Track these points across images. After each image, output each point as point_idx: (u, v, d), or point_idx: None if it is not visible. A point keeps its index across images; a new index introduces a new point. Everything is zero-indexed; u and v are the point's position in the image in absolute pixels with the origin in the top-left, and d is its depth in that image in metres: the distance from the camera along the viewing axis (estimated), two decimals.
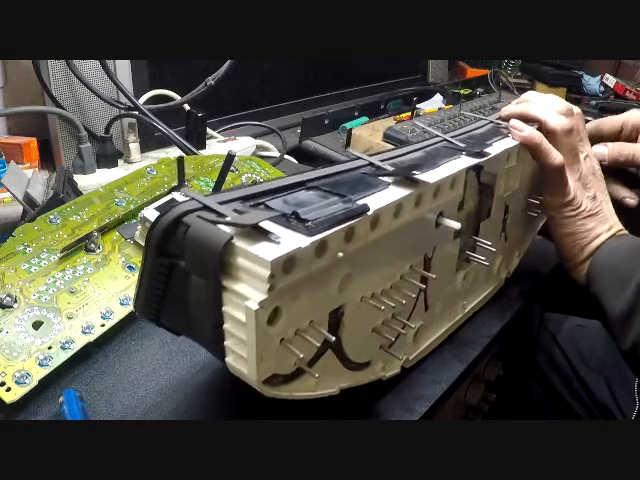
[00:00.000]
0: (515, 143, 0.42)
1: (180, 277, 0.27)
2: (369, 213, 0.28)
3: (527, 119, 0.44)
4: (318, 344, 0.28)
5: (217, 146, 0.74)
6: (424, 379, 0.38)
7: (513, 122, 0.43)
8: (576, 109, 0.45)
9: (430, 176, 0.33)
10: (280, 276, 0.24)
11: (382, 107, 0.96)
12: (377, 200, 0.30)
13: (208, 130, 0.74)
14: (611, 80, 1.19)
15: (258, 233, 0.25)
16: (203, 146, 0.72)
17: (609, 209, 0.45)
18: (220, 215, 0.25)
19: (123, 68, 0.67)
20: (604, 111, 1.07)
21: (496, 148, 0.40)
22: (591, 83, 1.17)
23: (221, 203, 0.26)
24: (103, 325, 0.39)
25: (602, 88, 1.18)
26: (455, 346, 0.42)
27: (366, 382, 0.35)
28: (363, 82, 1.05)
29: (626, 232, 0.45)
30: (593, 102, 1.13)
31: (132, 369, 0.38)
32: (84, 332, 0.38)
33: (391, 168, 0.34)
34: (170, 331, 0.30)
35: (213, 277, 0.25)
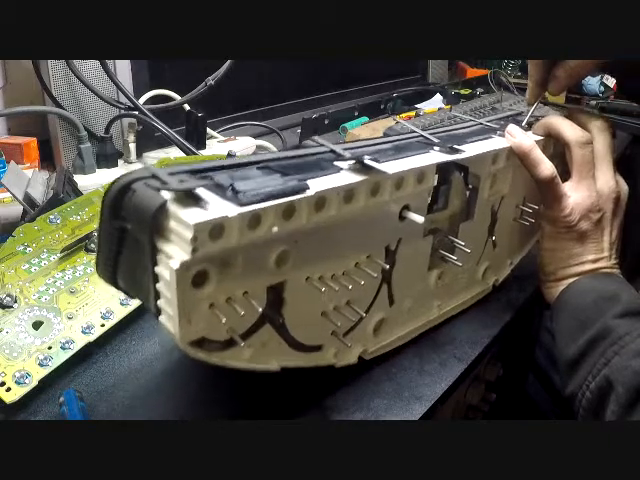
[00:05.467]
0: (501, 146, 0.41)
1: (129, 239, 0.28)
2: (309, 193, 0.29)
3: (547, 129, 0.44)
4: (242, 312, 0.28)
5: (217, 146, 0.74)
6: (424, 379, 0.38)
7: (509, 127, 0.42)
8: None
9: (390, 166, 0.33)
10: (206, 241, 0.25)
11: (382, 107, 0.96)
12: (324, 182, 0.30)
13: (208, 130, 0.74)
14: (611, 80, 1.19)
15: (193, 200, 0.26)
16: (203, 146, 0.72)
17: (609, 241, 0.43)
18: (164, 183, 0.27)
19: (123, 68, 0.67)
20: (604, 111, 1.07)
21: (476, 147, 0.39)
22: (591, 83, 1.17)
23: (171, 174, 0.28)
24: (103, 325, 0.39)
25: (602, 88, 1.18)
26: (455, 346, 0.42)
27: (314, 366, 0.35)
28: (363, 82, 1.05)
29: (611, 271, 0.43)
30: (593, 102, 1.13)
31: (132, 369, 0.38)
32: (84, 332, 0.38)
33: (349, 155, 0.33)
34: (126, 294, 0.31)
35: (148, 238, 0.26)
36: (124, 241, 0.28)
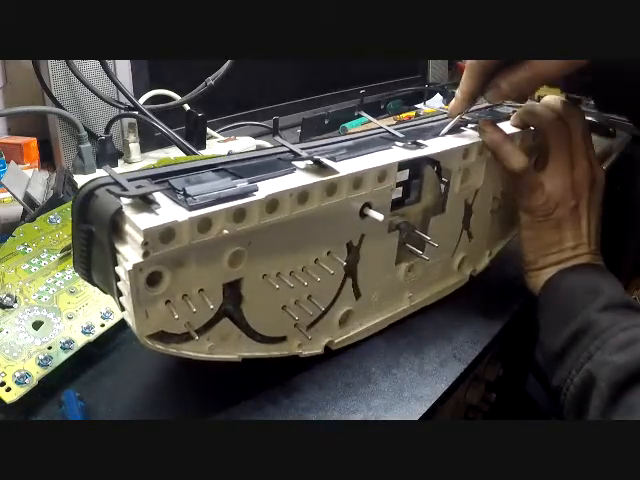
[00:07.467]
0: (472, 140, 0.41)
1: (96, 241, 0.30)
2: (259, 196, 0.29)
3: (523, 118, 0.43)
4: (194, 309, 0.30)
5: (217, 146, 0.74)
6: (424, 379, 0.38)
7: (482, 121, 0.42)
8: (577, 110, 0.44)
9: (346, 165, 0.33)
10: (157, 244, 0.27)
11: (382, 107, 0.96)
12: (276, 184, 0.31)
13: (208, 130, 0.74)
14: None
15: (146, 205, 0.28)
16: (203, 146, 0.72)
17: (587, 227, 0.42)
18: (124, 189, 0.28)
19: (123, 68, 0.67)
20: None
21: (443, 142, 0.39)
22: None
23: (130, 180, 0.29)
24: (103, 325, 0.39)
25: None
26: (455, 346, 0.42)
27: (279, 356, 0.37)
28: (363, 82, 1.05)
29: (593, 259, 0.42)
30: (592, 102, 1.12)
31: (132, 369, 0.38)
32: (84, 332, 0.38)
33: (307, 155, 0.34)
34: (101, 290, 0.33)
35: (108, 240, 0.28)
36: (92, 242, 0.30)
